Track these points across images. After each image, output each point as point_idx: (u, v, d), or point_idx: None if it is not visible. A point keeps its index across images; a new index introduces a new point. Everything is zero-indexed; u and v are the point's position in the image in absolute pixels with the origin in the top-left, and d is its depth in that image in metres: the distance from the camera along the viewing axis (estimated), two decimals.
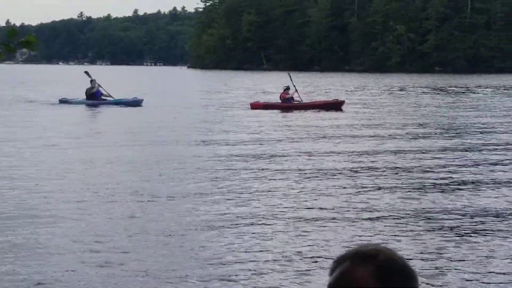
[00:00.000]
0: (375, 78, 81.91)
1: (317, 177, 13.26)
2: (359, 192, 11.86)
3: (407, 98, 41.83)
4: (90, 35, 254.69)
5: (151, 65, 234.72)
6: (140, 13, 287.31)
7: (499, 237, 9.05)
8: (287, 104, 31.81)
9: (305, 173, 13.66)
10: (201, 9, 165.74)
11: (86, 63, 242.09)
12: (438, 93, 48.83)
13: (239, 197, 11.37)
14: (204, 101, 38.08)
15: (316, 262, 7.88)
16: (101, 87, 33.19)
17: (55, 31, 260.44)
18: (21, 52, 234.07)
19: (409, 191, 11.95)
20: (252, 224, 9.62)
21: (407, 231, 9.25)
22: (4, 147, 17.48)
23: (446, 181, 12.95)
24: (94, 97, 32.87)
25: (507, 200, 11.48)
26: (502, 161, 15.80)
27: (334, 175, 13.45)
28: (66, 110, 30.30)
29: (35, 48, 3.05)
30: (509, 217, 10.27)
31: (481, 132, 22.15)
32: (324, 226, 9.45)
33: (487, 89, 54.56)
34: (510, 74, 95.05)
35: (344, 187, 12.20)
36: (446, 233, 9.10)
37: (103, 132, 21.53)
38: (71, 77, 79.86)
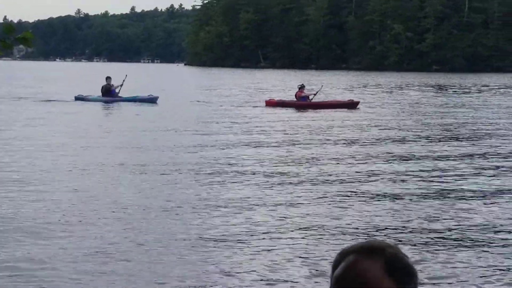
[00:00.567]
0: (373, 76, 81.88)
1: (331, 183, 12.91)
2: (361, 198, 11.67)
3: (420, 97, 41.65)
4: (88, 32, 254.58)
5: (148, 62, 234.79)
6: (138, 10, 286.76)
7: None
8: (302, 103, 31.45)
9: (323, 179, 13.27)
10: (198, 7, 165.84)
11: (83, 60, 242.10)
12: (445, 91, 48.80)
13: (257, 202, 11.07)
14: (216, 98, 37.99)
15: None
16: (118, 87, 32.83)
17: (52, 27, 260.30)
18: (18, 48, 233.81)
19: (423, 197, 11.70)
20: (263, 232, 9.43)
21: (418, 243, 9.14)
22: (24, 145, 17.37)
23: (464, 188, 12.54)
24: (109, 94, 32.68)
25: None
26: None
27: (347, 182, 13.04)
28: (82, 107, 30.12)
29: (32, 45, 3.04)
30: None
31: (499, 136, 21.41)
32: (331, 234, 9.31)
33: (500, 88, 54.16)
34: (508, 73, 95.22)
35: (355, 193, 11.92)
36: (460, 246, 8.85)
37: (121, 131, 21.11)
38: (78, 75, 79.91)
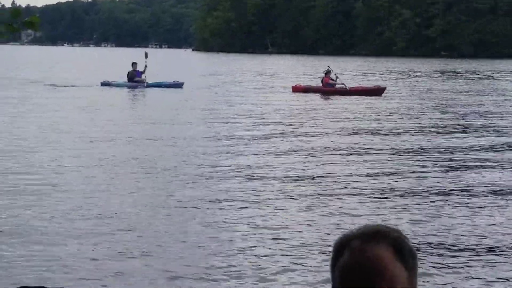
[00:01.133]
0: (381, 62, 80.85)
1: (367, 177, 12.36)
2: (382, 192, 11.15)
3: (440, 84, 41.10)
4: (95, 17, 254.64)
5: (156, 47, 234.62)
6: None
7: None
8: (328, 89, 31.37)
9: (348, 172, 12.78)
10: None
11: (91, 45, 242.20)
12: (461, 78, 48.29)
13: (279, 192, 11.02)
14: (241, 84, 37.74)
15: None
16: (142, 72, 33.03)
17: (60, 12, 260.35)
18: (26, 33, 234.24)
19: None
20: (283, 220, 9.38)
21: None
22: (57, 130, 17.63)
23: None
24: (135, 80, 32.86)
25: None
26: None
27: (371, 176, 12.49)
28: (108, 92, 30.24)
29: (38, 29, 3.02)
30: None
31: None
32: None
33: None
34: None
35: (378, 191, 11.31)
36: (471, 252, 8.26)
37: (150, 119, 20.82)
38: (98, 60, 78.11)
